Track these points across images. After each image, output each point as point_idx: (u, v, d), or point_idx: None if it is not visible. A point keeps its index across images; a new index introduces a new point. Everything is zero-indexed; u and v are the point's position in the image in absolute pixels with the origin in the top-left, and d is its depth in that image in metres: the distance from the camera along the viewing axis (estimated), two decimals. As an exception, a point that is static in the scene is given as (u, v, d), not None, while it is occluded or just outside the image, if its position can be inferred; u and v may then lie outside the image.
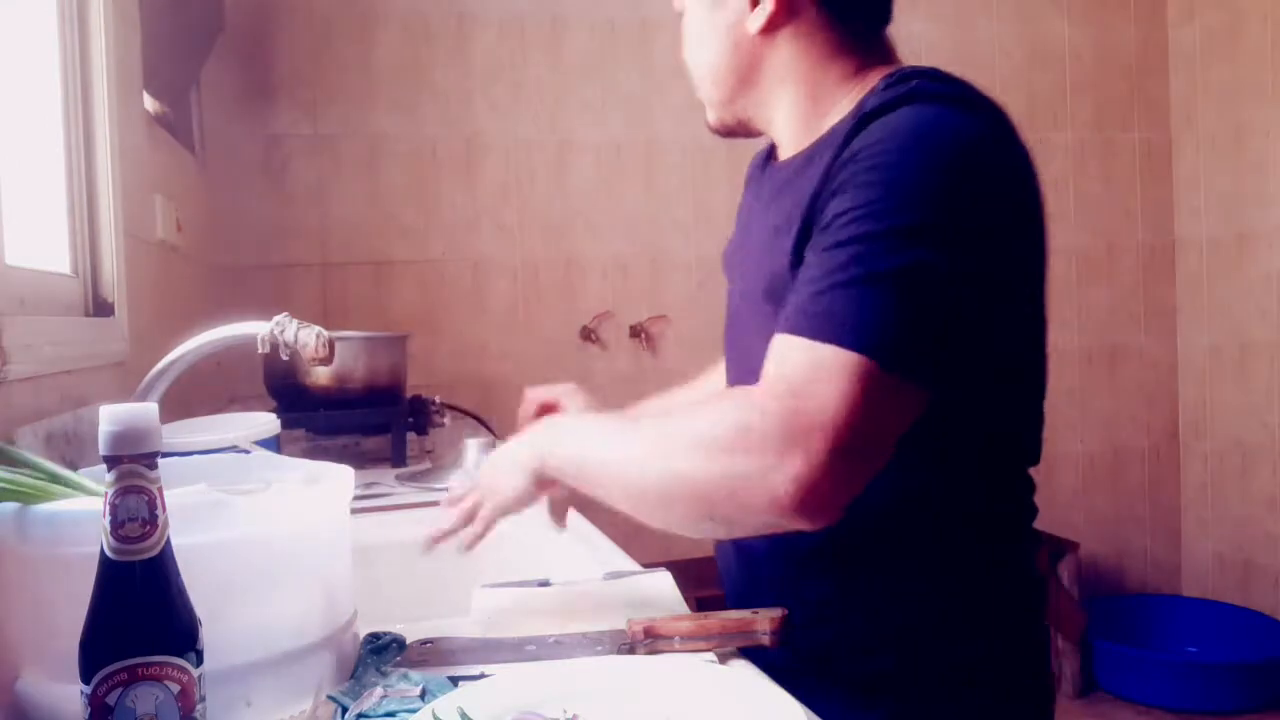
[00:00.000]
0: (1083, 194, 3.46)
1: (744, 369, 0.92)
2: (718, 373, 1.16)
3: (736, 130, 0.98)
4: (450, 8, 2.91)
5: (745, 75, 0.92)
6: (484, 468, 0.96)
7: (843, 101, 0.88)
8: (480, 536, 0.94)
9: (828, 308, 0.72)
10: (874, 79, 0.86)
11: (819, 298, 0.73)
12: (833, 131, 0.85)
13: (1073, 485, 3.47)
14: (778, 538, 0.80)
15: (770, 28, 0.88)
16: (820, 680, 0.85)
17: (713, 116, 0.98)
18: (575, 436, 0.87)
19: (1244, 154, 3.27)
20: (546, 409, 1.07)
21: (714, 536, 0.84)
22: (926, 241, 0.73)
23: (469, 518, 0.94)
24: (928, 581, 0.87)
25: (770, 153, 1.02)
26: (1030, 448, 0.95)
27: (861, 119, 0.80)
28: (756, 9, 0.88)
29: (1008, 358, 0.88)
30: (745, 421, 0.72)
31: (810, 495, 0.70)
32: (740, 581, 0.97)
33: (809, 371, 0.71)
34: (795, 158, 0.92)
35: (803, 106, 0.91)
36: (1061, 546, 3.14)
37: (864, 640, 0.87)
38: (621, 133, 3.00)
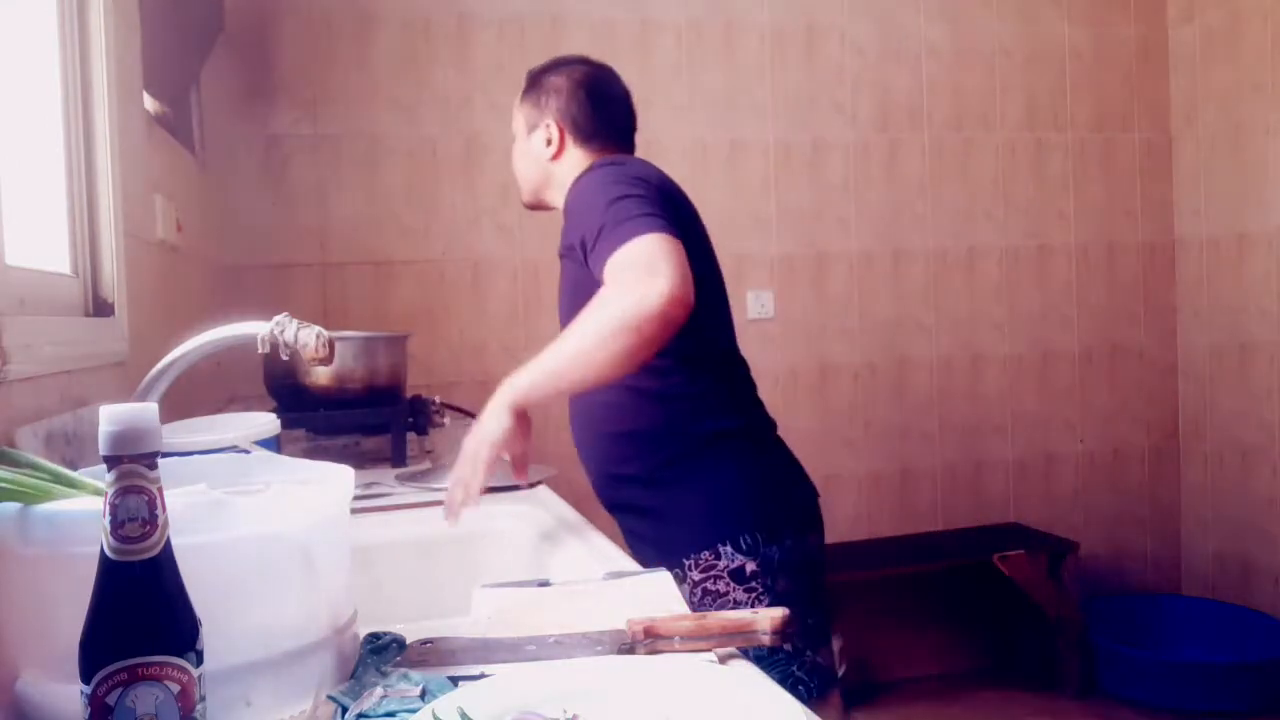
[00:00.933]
0: (1083, 194, 3.46)
1: None
2: None
3: (538, 208, 1.64)
4: (450, 8, 2.91)
5: (544, 180, 1.58)
6: (466, 441, 1.23)
7: None
8: (483, 482, 1.21)
9: (617, 239, 1.26)
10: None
11: (611, 245, 1.26)
12: None
13: (1073, 485, 3.47)
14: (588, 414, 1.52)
15: (555, 155, 1.55)
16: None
17: (525, 199, 1.64)
18: (526, 371, 1.26)
19: (1244, 154, 3.27)
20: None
21: (642, 356, 1.24)
22: (618, 196, 1.31)
23: (468, 479, 1.21)
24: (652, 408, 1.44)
25: None
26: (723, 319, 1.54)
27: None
28: (549, 145, 1.55)
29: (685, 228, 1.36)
30: (620, 283, 1.23)
31: (678, 293, 1.20)
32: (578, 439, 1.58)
33: (629, 254, 1.24)
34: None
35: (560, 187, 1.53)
36: (1061, 546, 3.14)
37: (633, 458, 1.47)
38: (621, 133, 3.00)
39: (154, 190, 1.75)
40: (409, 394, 1.95)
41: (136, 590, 0.52)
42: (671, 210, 1.33)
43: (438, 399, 1.93)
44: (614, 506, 1.54)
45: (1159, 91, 3.52)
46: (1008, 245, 3.39)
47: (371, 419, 1.83)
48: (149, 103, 1.86)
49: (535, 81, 1.59)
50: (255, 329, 1.07)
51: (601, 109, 1.56)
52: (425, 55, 2.90)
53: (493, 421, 1.22)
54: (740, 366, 1.55)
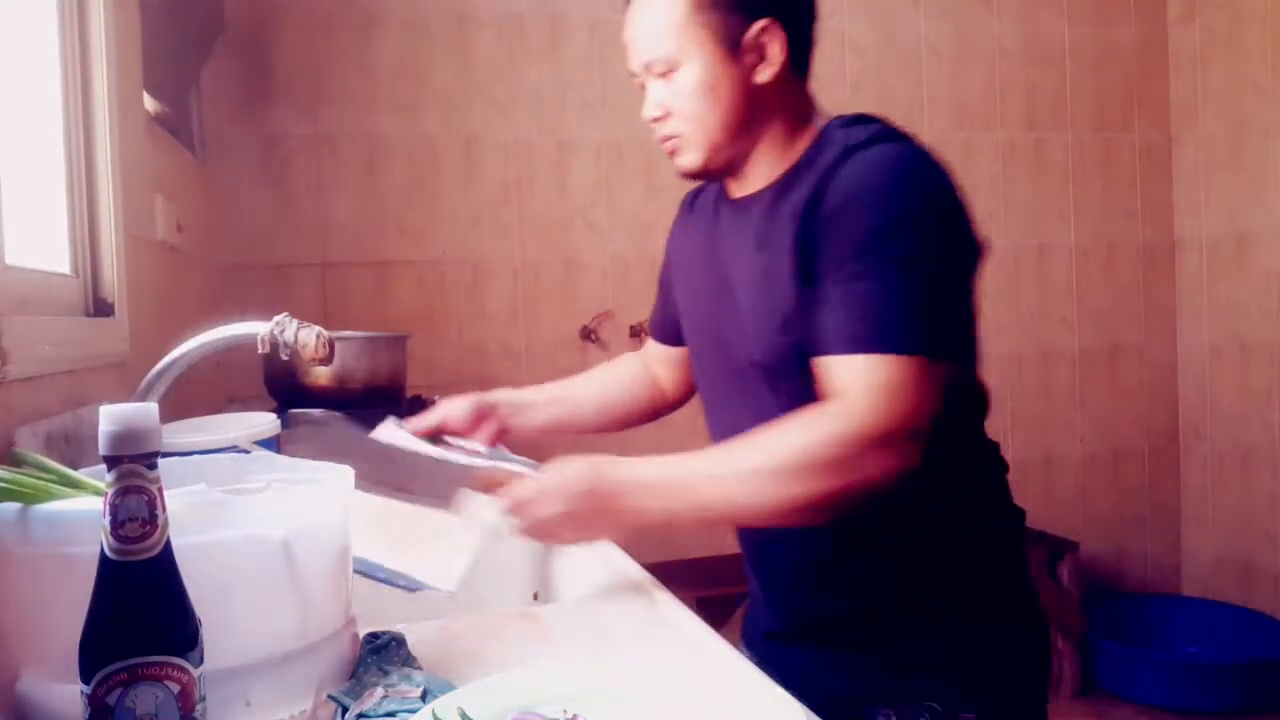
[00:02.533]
0: (1082, 194, 3.46)
1: (735, 429, 1.02)
2: (621, 365, 1.41)
3: (714, 173, 1.09)
4: (450, 8, 2.91)
5: (748, 119, 1.04)
6: (572, 502, 0.94)
7: (802, 139, 1.06)
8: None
9: (874, 328, 0.90)
10: (818, 120, 1.07)
11: (861, 321, 0.91)
12: (806, 165, 1.02)
13: (1073, 485, 3.47)
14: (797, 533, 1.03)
15: (773, 81, 1.03)
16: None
17: (697, 159, 1.07)
18: (658, 489, 0.94)
19: (1244, 154, 3.27)
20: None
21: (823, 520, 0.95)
22: (926, 255, 0.92)
23: (541, 534, 0.98)
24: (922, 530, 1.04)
25: (716, 193, 1.16)
26: (982, 398, 1.14)
27: (838, 163, 0.97)
28: (763, 64, 1.03)
29: (969, 331, 1.04)
30: (839, 437, 0.89)
31: (903, 473, 0.89)
32: (774, 567, 1.14)
33: (879, 379, 0.89)
34: (766, 190, 1.06)
35: (779, 144, 1.06)
36: (1061, 546, 3.14)
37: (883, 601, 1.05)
38: (621, 133, 3.00)
39: (154, 190, 1.75)
40: (409, 394, 1.95)
41: (136, 590, 0.52)
42: (960, 298, 0.98)
43: (438, 399, 1.92)
44: (824, 636, 1.09)
45: (1159, 91, 3.52)
46: (1008, 245, 3.39)
47: (372, 419, 1.83)
48: (149, 103, 1.86)
49: None
50: (255, 329, 1.07)
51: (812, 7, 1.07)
52: (425, 55, 2.89)
53: (604, 534, 0.99)
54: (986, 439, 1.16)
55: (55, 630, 0.58)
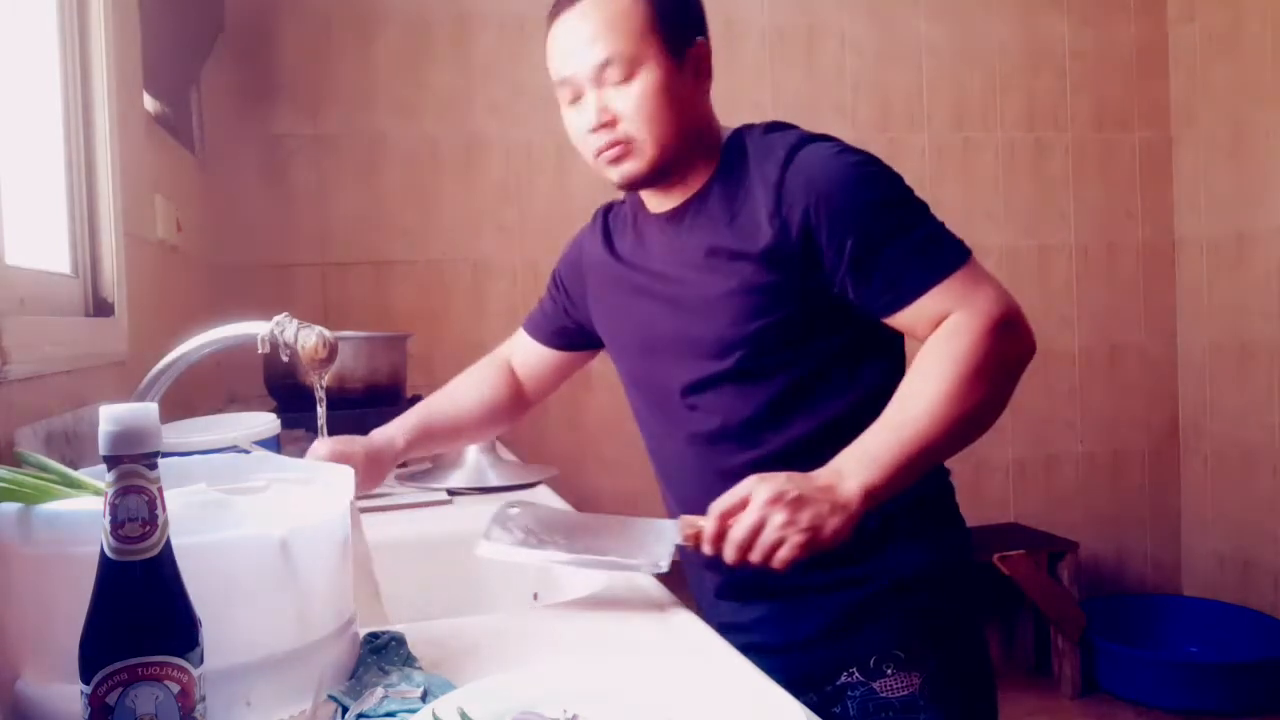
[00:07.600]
0: (1083, 194, 3.45)
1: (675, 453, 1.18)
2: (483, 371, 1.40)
3: (655, 179, 1.10)
4: (450, 8, 2.91)
5: (695, 126, 1.09)
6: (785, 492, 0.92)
7: (713, 150, 1.11)
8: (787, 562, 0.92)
9: (935, 259, 1.01)
10: (723, 133, 1.12)
11: (923, 260, 1.01)
12: (727, 172, 1.08)
13: (1073, 485, 3.47)
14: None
15: (708, 92, 1.11)
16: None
17: (644, 165, 1.07)
18: (880, 460, 0.95)
19: (1244, 154, 3.27)
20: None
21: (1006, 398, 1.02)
22: (913, 201, 1.04)
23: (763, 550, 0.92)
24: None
25: (633, 210, 1.20)
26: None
27: (787, 161, 1.03)
28: (702, 77, 1.09)
29: None
30: (985, 330, 0.97)
31: (1021, 327, 1.00)
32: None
33: (969, 286, 1.00)
34: (693, 200, 1.10)
35: (702, 156, 1.10)
36: (1061, 546, 3.14)
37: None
38: (621, 133, 3.00)
39: (154, 190, 1.75)
40: (409, 394, 1.95)
41: (136, 590, 0.52)
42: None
43: (436, 399, 1.92)
44: (792, 588, 1.09)
45: (1159, 91, 3.52)
46: (1008, 245, 3.39)
47: (372, 419, 1.83)
48: (149, 103, 1.86)
49: None
50: (255, 329, 1.07)
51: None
52: (425, 55, 2.89)
53: (840, 525, 0.92)
54: None
55: (55, 630, 0.58)
